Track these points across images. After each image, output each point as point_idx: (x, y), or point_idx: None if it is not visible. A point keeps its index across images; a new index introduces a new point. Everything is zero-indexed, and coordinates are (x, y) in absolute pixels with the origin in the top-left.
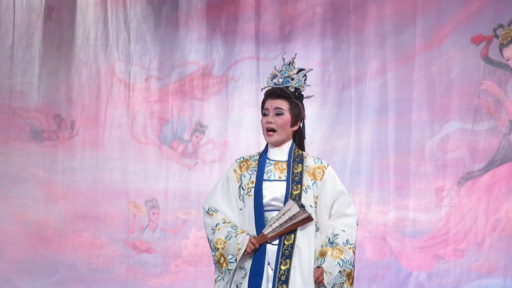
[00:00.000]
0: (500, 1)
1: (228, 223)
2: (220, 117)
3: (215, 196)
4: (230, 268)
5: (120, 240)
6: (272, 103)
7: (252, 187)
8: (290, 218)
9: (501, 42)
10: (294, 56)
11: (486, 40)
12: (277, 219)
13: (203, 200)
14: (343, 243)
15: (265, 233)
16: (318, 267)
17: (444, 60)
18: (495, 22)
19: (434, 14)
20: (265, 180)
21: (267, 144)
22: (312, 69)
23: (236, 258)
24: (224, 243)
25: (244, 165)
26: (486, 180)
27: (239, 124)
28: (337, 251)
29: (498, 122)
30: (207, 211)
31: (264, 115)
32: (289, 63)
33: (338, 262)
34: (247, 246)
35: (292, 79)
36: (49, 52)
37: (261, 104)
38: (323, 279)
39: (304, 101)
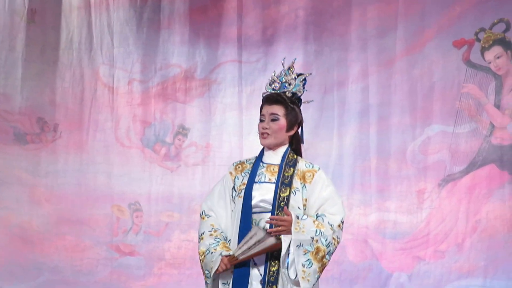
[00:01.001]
0: (481, 5)
1: (214, 231)
2: (203, 120)
3: (212, 198)
4: (207, 282)
5: (104, 243)
6: (268, 109)
7: (243, 189)
8: (258, 241)
9: (483, 45)
10: (293, 60)
11: (468, 43)
12: (245, 242)
13: (186, 203)
14: (328, 222)
15: (236, 254)
16: (296, 217)
17: (426, 64)
18: (477, 26)
19: (416, 18)
20: (256, 182)
21: (263, 148)
22: (311, 73)
23: (211, 274)
24: (204, 256)
25: (239, 167)
26: (467, 182)
27: (222, 127)
28: (320, 223)
29: (479, 124)
30: (200, 214)
31: (260, 120)
32: (288, 68)
33: (316, 229)
34: (218, 266)
35: (290, 84)
36: (32, 55)
37: (260, 108)
38: (291, 231)
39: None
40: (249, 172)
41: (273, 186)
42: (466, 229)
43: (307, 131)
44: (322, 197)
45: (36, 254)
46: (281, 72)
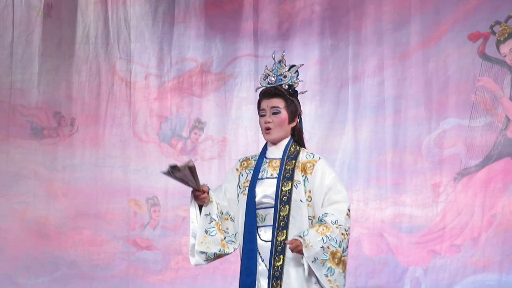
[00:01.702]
0: None
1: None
2: (219, 114)
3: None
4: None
5: (121, 237)
6: (268, 103)
7: (247, 186)
8: (186, 178)
9: (498, 38)
10: (283, 53)
11: (483, 37)
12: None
13: None
14: (331, 221)
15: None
16: (296, 239)
17: (441, 57)
18: (492, 19)
19: (432, 11)
20: (259, 179)
21: (266, 143)
22: (303, 64)
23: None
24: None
25: (244, 164)
26: (482, 176)
27: (237, 121)
28: (324, 227)
29: (494, 118)
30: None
31: (261, 115)
32: (280, 61)
33: (322, 237)
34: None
35: (285, 77)
36: (48, 50)
37: (257, 104)
38: (302, 251)
39: (303, 99)
40: (253, 168)
41: (275, 181)
42: (482, 223)
43: (323, 125)
44: (325, 186)
45: (53, 249)
46: (273, 65)
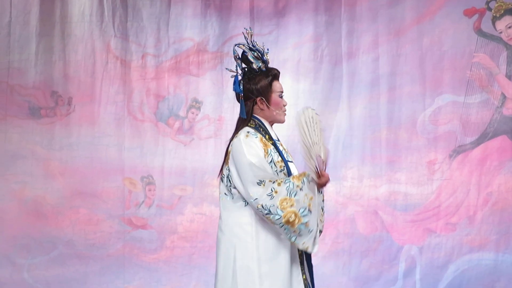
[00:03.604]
0: None
1: (279, 183)
2: (215, 93)
3: (258, 168)
4: (304, 221)
5: (116, 216)
6: (281, 86)
7: (284, 166)
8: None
9: (494, 14)
10: (250, 31)
11: (479, 12)
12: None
13: (198, 176)
14: None
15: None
16: None
17: (436, 32)
18: None
19: None
20: (288, 161)
21: (258, 122)
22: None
23: (310, 209)
24: (291, 200)
25: (262, 141)
26: (478, 154)
27: (234, 100)
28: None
29: (490, 95)
30: (258, 183)
31: (281, 96)
32: (253, 41)
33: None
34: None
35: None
36: (45, 29)
37: (267, 82)
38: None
39: (297, 75)
40: (275, 150)
41: (293, 164)
42: (478, 202)
43: (318, 102)
44: None
45: (50, 228)
46: (254, 43)
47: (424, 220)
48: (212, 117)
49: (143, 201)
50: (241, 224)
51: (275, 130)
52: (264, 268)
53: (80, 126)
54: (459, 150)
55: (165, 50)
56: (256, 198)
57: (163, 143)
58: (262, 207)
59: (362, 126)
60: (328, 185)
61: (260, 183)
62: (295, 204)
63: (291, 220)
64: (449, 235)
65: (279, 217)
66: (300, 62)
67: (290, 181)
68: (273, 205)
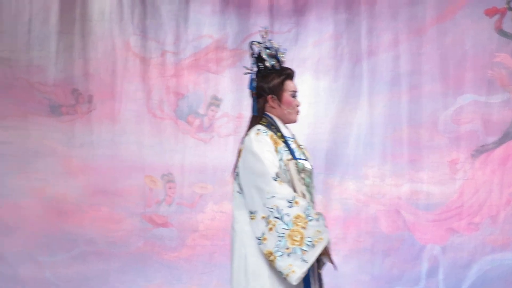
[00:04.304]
0: None
1: (298, 195)
2: (235, 90)
3: (272, 162)
4: (304, 249)
5: (137, 214)
6: (295, 86)
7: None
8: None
9: None
10: (267, 28)
11: (500, 12)
12: None
13: (219, 174)
14: None
15: None
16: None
17: (458, 32)
18: None
19: None
20: (298, 158)
21: (270, 120)
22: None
23: (314, 244)
24: (305, 223)
25: (273, 138)
26: (500, 153)
27: None
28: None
29: (511, 94)
30: (274, 178)
31: (294, 96)
32: (270, 40)
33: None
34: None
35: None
36: (65, 27)
37: (279, 81)
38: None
39: (317, 73)
40: (285, 148)
41: (308, 162)
42: (500, 201)
43: (338, 100)
44: None
45: (71, 226)
46: (270, 44)
47: (447, 219)
48: (232, 114)
49: (163, 199)
50: (246, 221)
51: (293, 128)
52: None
53: (100, 123)
54: (481, 150)
55: (184, 47)
56: (274, 196)
57: (183, 140)
58: (276, 209)
59: (383, 124)
60: (349, 183)
61: (276, 178)
62: (306, 228)
63: (294, 238)
64: (472, 234)
65: (286, 229)
66: (320, 60)
67: (311, 205)
68: (288, 215)
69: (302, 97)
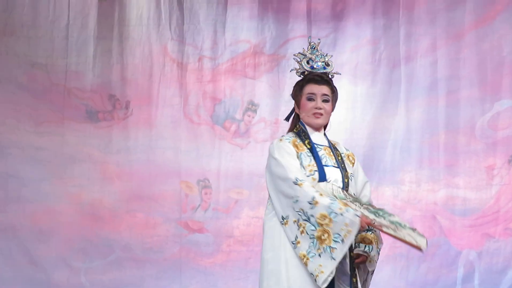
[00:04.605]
0: None
1: (320, 194)
2: (272, 96)
3: (293, 166)
4: (333, 246)
5: (173, 220)
6: (319, 89)
7: (316, 170)
8: (396, 226)
9: None
10: (319, 41)
11: None
12: (393, 223)
13: (255, 179)
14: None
15: (376, 221)
16: (364, 252)
17: (496, 37)
18: None
19: None
20: (324, 165)
21: (302, 127)
22: (332, 55)
23: (343, 239)
24: (330, 220)
25: (295, 145)
26: None
27: (290, 102)
28: (376, 239)
29: None
30: (294, 182)
31: (310, 99)
32: (314, 47)
33: (377, 250)
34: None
35: (328, 65)
36: (103, 32)
37: (298, 86)
38: (366, 264)
39: (354, 78)
40: (309, 154)
41: (338, 170)
42: None
43: (375, 106)
44: (362, 181)
45: (107, 232)
46: (313, 51)
47: (483, 225)
48: (269, 120)
49: (199, 205)
50: (270, 227)
51: (331, 133)
52: (292, 272)
53: (137, 129)
54: None
55: (221, 52)
56: (297, 200)
57: (219, 146)
58: (303, 212)
59: (420, 129)
60: (386, 189)
61: (296, 181)
62: (332, 226)
63: (322, 238)
64: (508, 240)
65: (314, 230)
66: (358, 65)
67: (335, 200)
68: (313, 216)
69: (340, 103)
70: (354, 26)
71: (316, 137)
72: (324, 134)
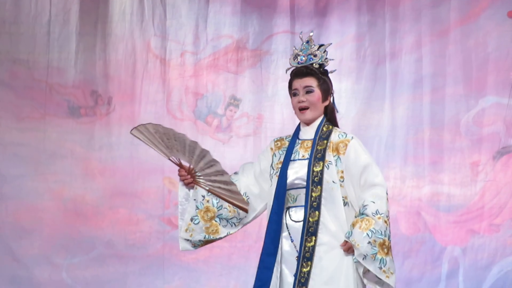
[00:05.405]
0: None
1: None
2: (255, 91)
3: (243, 167)
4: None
5: (156, 216)
6: (300, 82)
7: (280, 167)
8: (223, 181)
9: None
10: (311, 34)
11: None
12: (212, 173)
13: None
14: (372, 213)
15: (198, 174)
16: (346, 241)
17: (481, 34)
18: None
19: None
20: (291, 160)
21: (299, 124)
22: (331, 43)
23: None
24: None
25: (278, 144)
26: None
27: (273, 98)
28: (366, 222)
29: None
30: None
31: (294, 95)
32: (307, 41)
33: (366, 233)
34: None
35: (315, 56)
36: (86, 28)
37: (288, 85)
38: (354, 252)
39: (339, 76)
40: (286, 149)
41: (307, 162)
42: None
43: (360, 102)
44: (361, 165)
45: (89, 228)
46: (302, 45)
47: (468, 221)
48: (252, 115)
49: None
50: None
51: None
52: None
53: (120, 125)
54: (503, 152)
55: (203, 47)
56: None
57: (201, 141)
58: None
59: (405, 126)
60: None
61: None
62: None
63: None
64: (493, 236)
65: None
66: (342, 62)
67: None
68: None
69: None
70: (338, 23)
71: (305, 131)
72: (323, 124)
